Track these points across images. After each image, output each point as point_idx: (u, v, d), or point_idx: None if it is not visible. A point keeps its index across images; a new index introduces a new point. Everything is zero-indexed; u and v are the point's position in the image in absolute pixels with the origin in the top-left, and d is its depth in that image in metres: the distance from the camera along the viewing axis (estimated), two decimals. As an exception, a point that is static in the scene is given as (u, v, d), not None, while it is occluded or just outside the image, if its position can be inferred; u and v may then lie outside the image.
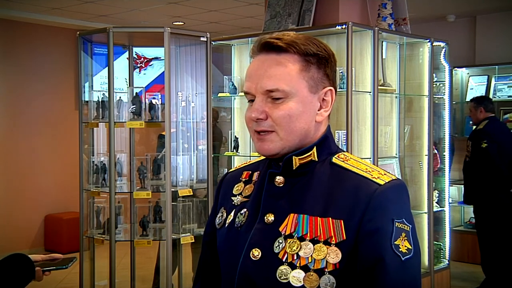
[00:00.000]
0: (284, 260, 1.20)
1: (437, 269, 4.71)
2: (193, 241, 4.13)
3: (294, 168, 1.27)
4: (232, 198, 1.37)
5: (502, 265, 5.29)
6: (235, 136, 4.56)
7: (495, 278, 5.33)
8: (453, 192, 6.65)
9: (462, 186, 6.66)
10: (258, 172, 1.37)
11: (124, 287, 4.46)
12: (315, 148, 1.28)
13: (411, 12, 4.62)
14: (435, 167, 4.75)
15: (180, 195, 4.03)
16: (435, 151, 4.76)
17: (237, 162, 4.69)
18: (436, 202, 4.73)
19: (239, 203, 1.34)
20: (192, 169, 4.24)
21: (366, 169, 1.26)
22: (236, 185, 1.39)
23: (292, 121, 1.24)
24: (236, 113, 4.74)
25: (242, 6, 6.57)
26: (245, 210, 1.31)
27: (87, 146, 4.28)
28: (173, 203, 4.03)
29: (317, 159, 1.28)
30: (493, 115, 5.42)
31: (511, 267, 5.26)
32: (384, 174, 1.25)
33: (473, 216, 6.26)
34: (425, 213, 4.56)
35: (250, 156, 4.46)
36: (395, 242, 1.16)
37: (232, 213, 1.34)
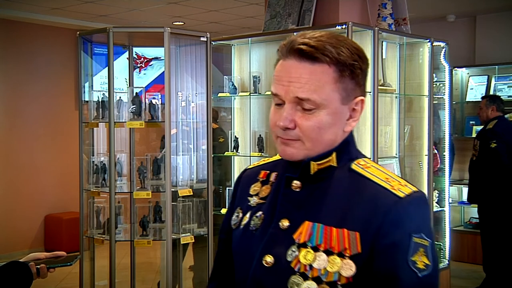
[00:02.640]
0: (296, 269, 1.18)
1: (437, 269, 4.71)
2: (193, 241, 4.14)
3: (312, 173, 1.24)
4: (249, 198, 1.35)
5: (504, 264, 5.29)
6: (235, 136, 4.56)
7: (496, 277, 5.33)
8: (453, 192, 6.65)
9: (462, 186, 6.71)
10: (276, 173, 1.34)
11: (124, 287, 4.47)
12: (334, 154, 1.25)
13: (411, 12, 4.61)
14: (435, 167, 4.75)
15: (180, 195, 4.03)
16: (435, 151, 4.76)
17: (237, 162, 4.69)
18: (436, 202, 4.73)
19: (255, 205, 1.32)
20: (192, 169, 4.24)
21: (386, 178, 1.21)
22: (253, 185, 1.36)
23: (321, 133, 1.21)
24: (236, 113, 4.74)
25: (242, 6, 6.58)
26: (260, 213, 1.29)
27: (87, 146, 4.28)
28: (173, 203, 4.03)
29: (336, 165, 1.25)
30: (501, 115, 5.42)
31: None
32: (405, 185, 1.20)
33: (474, 216, 6.28)
34: (425, 213, 4.55)
35: (250, 156, 4.46)
36: (412, 258, 1.13)
37: (248, 215, 1.32)
